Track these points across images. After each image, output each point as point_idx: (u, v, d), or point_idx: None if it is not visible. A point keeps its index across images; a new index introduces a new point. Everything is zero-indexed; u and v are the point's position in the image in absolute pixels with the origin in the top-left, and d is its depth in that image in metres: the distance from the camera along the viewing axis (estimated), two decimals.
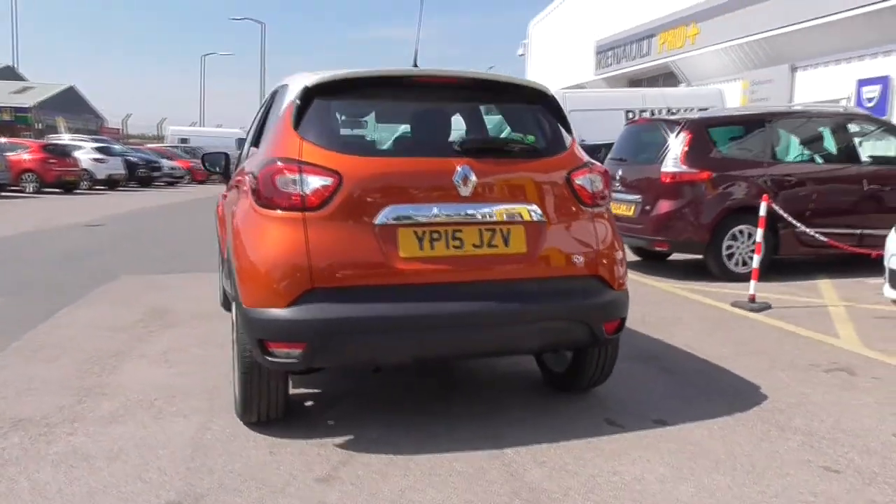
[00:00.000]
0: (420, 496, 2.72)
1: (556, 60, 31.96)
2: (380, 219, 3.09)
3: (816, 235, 6.71)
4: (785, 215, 6.63)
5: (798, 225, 6.68)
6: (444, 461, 3.02)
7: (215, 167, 5.23)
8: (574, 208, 3.41)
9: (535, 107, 3.66)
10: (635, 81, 24.89)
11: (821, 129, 8.35)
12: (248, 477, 2.87)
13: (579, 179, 3.43)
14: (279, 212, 3.09)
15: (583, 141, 7.41)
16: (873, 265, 6.72)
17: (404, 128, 4.35)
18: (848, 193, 7.80)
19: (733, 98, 18.06)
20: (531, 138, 3.62)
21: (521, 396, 3.87)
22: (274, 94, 4.18)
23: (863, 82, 14.58)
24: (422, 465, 2.99)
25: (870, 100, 14.14)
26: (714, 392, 3.95)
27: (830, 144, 8.24)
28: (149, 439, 3.23)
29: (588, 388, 3.91)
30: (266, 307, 3.02)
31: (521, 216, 3.27)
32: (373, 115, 4.54)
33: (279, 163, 3.14)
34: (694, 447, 3.20)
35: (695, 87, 19.42)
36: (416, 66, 3.85)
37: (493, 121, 4.61)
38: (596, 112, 16.90)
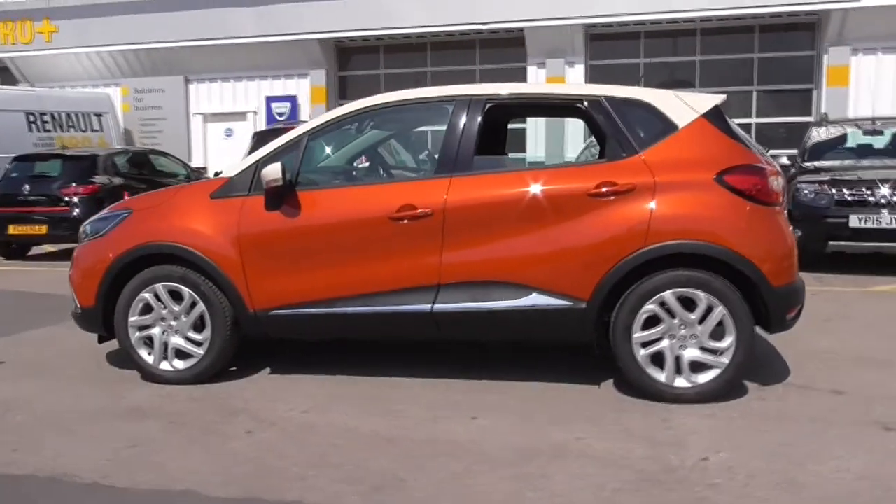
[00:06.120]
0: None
1: None
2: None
3: None
4: None
5: None
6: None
7: None
8: None
9: None
10: None
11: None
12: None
13: None
14: (771, 207, 3.90)
15: None
16: None
17: None
18: None
19: (116, 104, 17.66)
20: None
21: None
22: (545, 106, 4.85)
23: (272, 99, 16.91)
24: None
25: (280, 114, 16.56)
26: None
27: None
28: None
29: None
30: (794, 282, 3.95)
31: None
32: None
33: (769, 167, 3.94)
34: (871, 324, 5.30)
35: (84, 90, 17.87)
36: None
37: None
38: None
